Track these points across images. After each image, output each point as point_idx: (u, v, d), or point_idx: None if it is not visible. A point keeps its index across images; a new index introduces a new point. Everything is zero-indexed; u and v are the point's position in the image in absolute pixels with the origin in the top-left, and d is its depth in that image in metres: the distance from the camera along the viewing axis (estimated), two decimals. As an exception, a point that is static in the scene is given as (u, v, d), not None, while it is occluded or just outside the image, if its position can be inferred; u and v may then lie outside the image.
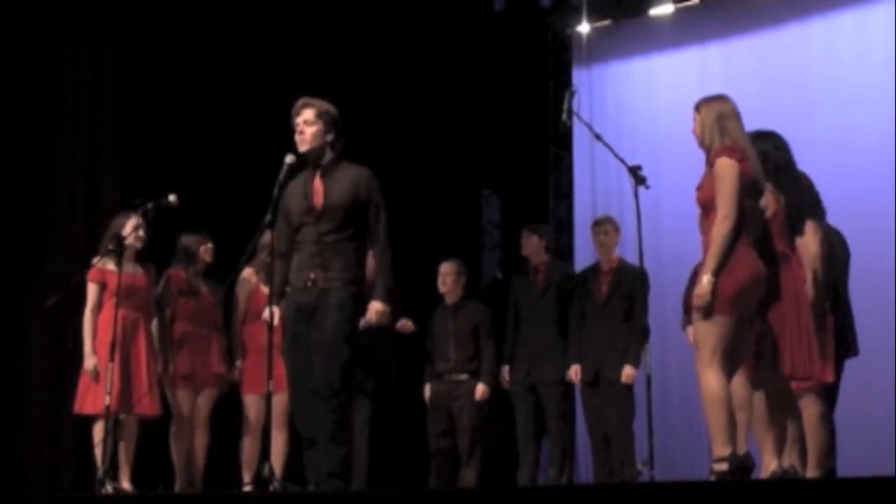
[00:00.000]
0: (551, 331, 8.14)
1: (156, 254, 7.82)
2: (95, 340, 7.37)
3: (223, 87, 9.23)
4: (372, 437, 8.09)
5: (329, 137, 6.15)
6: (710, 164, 5.48)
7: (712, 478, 5.18)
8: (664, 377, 8.84)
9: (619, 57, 10.34)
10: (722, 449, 5.18)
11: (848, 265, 6.54)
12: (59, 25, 8.91)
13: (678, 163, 5.59)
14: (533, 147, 10.49)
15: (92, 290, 7.46)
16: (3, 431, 8.41)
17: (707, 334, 5.31)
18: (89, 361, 7.34)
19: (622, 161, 6.53)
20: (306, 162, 6.18)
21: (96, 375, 7.28)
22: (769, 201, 5.74)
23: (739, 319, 5.33)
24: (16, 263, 8.59)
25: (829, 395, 6.31)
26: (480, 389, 8.20)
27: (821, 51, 9.15)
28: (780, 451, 5.65)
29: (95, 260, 7.45)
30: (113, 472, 7.24)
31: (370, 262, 6.28)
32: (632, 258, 7.57)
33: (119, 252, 7.33)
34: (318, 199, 6.08)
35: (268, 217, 6.23)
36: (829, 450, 6.27)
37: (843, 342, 6.34)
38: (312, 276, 6.02)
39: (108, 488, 6.96)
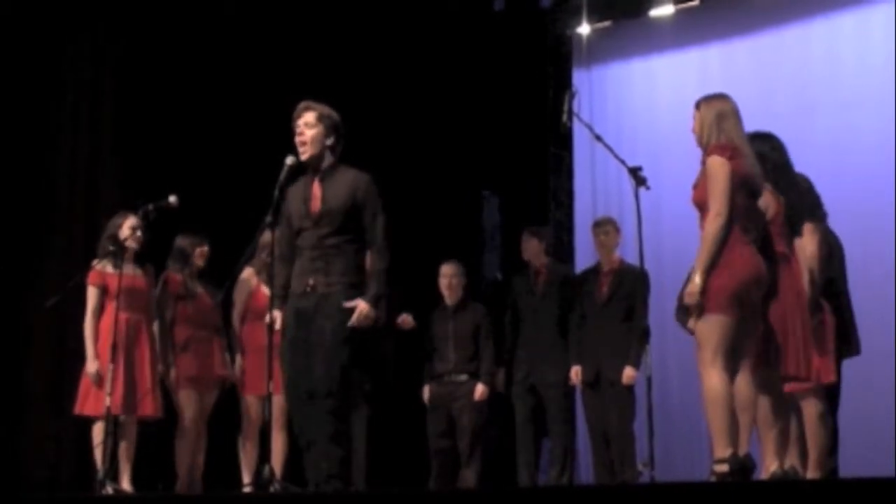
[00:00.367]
0: (551, 332, 8.15)
1: (156, 255, 7.82)
2: (97, 344, 7.35)
3: (223, 88, 9.23)
4: (371, 439, 8.09)
5: (329, 141, 6.16)
6: (703, 163, 5.49)
7: (713, 479, 5.18)
8: (665, 378, 8.84)
9: (620, 58, 10.33)
10: (723, 450, 5.18)
11: (845, 265, 6.55)
12: (59, 25, 8.91)
13: (678, 163, 5.59)
14: (533, 148, 10.49)
15: (92, 293, 7.44)
16: (3, 432, 8.40)
17: (708, 334, 5.31)
18: (92, 365, 7.33)
19: (622, 162, 6.53)
20: (307, 166, 6.19)
21: (99, 379, 7.27)
22: (769, 202, 5.75)
23: (741, 318, 5.33)
24: (16, 264, 8.58)
25: (830, 395, 6.31)
26: (480, 390, 8.20)
27: (821, 52, 9.15)
28: (781, 452, 5.66)
29: (95, 262, 7.45)
30: (113, 473, 7.24)
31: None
32: (632, 259, 7.57)
33: (118, 254, 7.32)
34: (316, 203, 6.09)
35: (268, 218, 6.25)
36: (830, 450, 6.27)
37: (845, 341, 6.35)
38: (311, 281, 6.04)
39: (109, 489, 6.96)
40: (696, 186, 5.52)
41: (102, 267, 7.44)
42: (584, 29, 10.33)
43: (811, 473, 6.03)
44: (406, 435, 8.72)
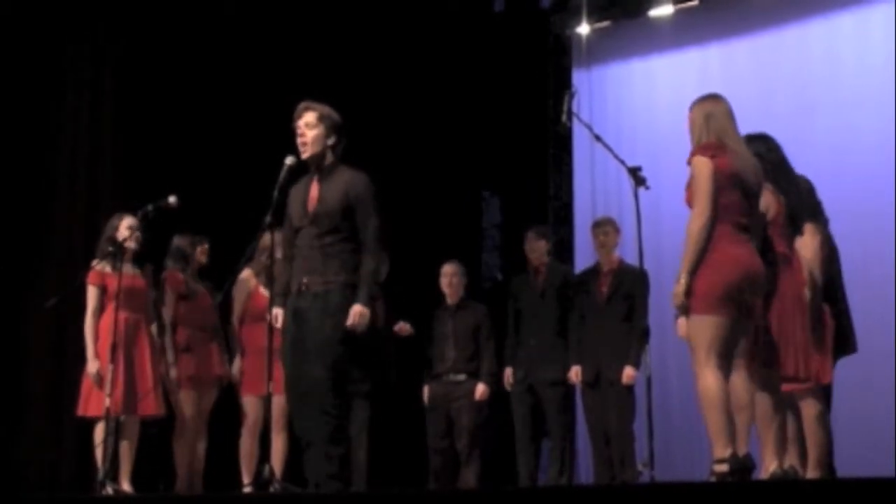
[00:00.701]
0: (551, 332, 8.15)
1: (156, 255, 7.82)
2: (97, 344, 7.36)
3: (223, 89, 9.23)
4: (371, 439, 8.10)
5: (330, 141, 6.17)
6: (688, 163, 5.49)
7: (713, 479, 5.18)
8: (664, 378, 8.84)
9: (619, 58, 10.33)
10: (722, 450, 5.18)
11: (841, 267, 6.56)
12: (60, 25, 8.91)
13: (678, 163, 5.57)
14: (533, 148, 10.49)
15: (92, 293, 7.45)
16: (3, 432, 8.41)
17: (700, 334, 5.30)
18: (92, 365, 7.33)
19: (622, 162, 6.53)
20: (308, 166, 6.20)
21: (100, 380, 7.27)
22: (770, 202, 5.75)
23: (735, 318, 5.32)
24: (16, 265, 8.58)
25: (825, 394, 6.32)
26: (480, 389, 8.21)
27: (820, 52, 9.14)
28: (780, 452, 5.65)
29: (95, 262, 7.45)
30: (113, 474, 7.24)
31: None
32: (632, 259, 7.57)
33: (117, 254, 7.33)
34: (313, 203, 6.12)
35: (268, 219, 6.27)
36: (829, 450, 6.28)
37: (843, 342, 6.36)
38: (306, 280, 6.06)
39: (109, 489, 6.96)
40: (687, 187, 5.52)
41: (102, 267, 7.44)
42: (584, 29, 10.33)
43: (811, 473, 6.03)
44: (406, 435, 8.73)
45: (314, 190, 6.15)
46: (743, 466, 5.17)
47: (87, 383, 7.39)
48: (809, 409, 6.07)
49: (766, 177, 5.73)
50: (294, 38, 9.52)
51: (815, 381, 5.95)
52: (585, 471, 9.14)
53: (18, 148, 8.72)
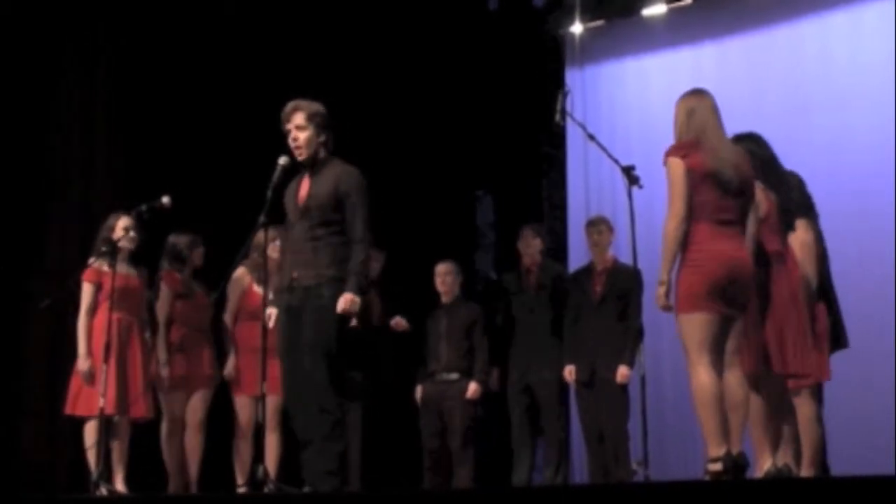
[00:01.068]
0: (545, 331, 8.15)
1: (149, 255, 7.81)
2: (90, 342, 7.35)
3: (217, 89, 9.23)
4: (366, 437, 8.10)
5: (322, 138, 6.22)
6: (663, 163, 5.49)
7: (707, 477, 5.18)
8: (659, 377, 8.83)
9: (613, 57, 10.33)
10: (716, 449, 5.17)
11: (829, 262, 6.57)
12: (53, 26, 8.90)
13: (672, 162, 5.59)
14: (526, 147, 10.50)
15: (87, 290, 7.44)
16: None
17: (689, 333, 5.30)
18: (84, 363, 7.33)
19: (615, 161, 6.54)
20: (302, 164, 6.22)
21: (91, 377, 7.27)
22: (761, 200, 5.74)
23: (723, 314, 5.31)
24: (11, 265, 8.57)
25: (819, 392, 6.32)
26: (472, 388, 8.20)
27: (814, 50, 9.15)
28: (775, 450, 5.66)
29: (91, 261, 7.45)
30: (107, 474, 7.23)
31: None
32: (626, 258, 7.57)
33: (112, 254, 7.32)
34: (304, 196, 6.17)
35: (262, 219, 6.29)
36: (823, 448, 6.28)
37: (835, 335, 6.36)
38: (296, 274, 6.10)
39: (103, 490, 6.95)
40: None
41: (99, 265, 7.44)
42: (577, 28, 10.33)
43: (805, 471, 6.03)
44: (401, 433, 8.72)
45: (306, 184, 6.21)
46: (737, 465, 5.17)
47: (76, 381, 7.39)
48: (805, 407, 6.07)
49: (757, 174, 5.73)
50: (287, 37, 9.52)
51: (814, 378, 5.95)
52: (580, 470, 9.14)
53: (12, 148, 8.71)
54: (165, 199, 7.35)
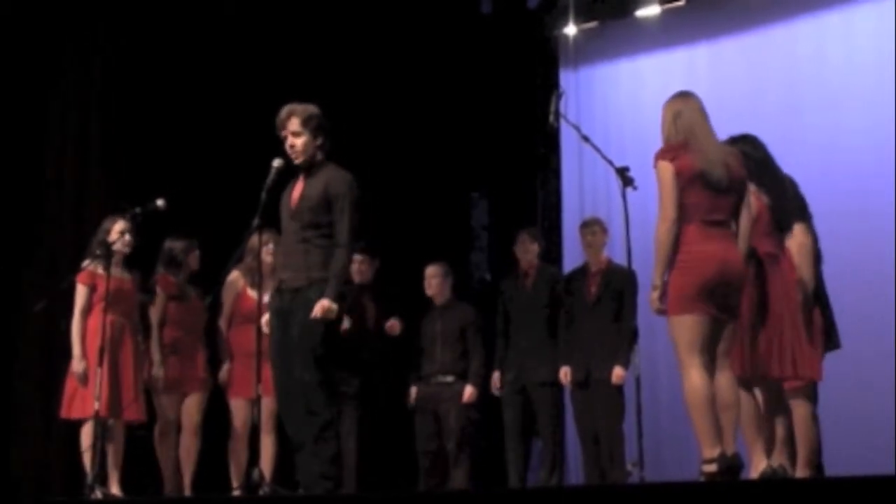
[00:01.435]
0: (541, 333, 8.14)
1: (144, 259, 7.81)
2: (85, 344, 7.35)
3: (212, 92, 9.22)
4: (361, 440, 8.10)
5: (318, 141, 6.22)
6: (653, 166, 5.49)
7: (702, 479, 5.18)
8: (653, 378, 8.83)
9: (606, 58, 10.33)
10: (710, 450, 5.17)
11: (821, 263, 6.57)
12: (47, 28, 8.89)
13: (666, 164, 5.59)
14: (521, 149, 10.49)
15: (81, 292, 7.44)
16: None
17: (680, 335, 5.29)
18: (79, 365, 7.32)
19: (610, 162, 6.54)
20: (298, 167, 6.23)
21: (85, 379, 7.27)
22: (751, 201, 5.73)
23: (713, 315, 5.31)
24: (4, 267, 8.56)
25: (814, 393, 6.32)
26: (468, 391, 8.20)
27: (808, 51, 9.15)
28: (769, 451, 5.66)
29: (85, 263, 7.44)
30: (102, 477, 7.22)
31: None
32: (620, 259, 7.57)
33: (107, 257, 7.32)
34: (296, 198, 6.20)
35: (256, 221, 6.29)
36: (819, 449, 6.28)
37: (827, 336, 6.37)
38: (284, 276, 6.13)
39: (98, 493, 6.95)
40: None
41: (94, 268, 7.43)
42: (571, 30, 10.32)
43: (800, 472, 6.03)
44: (396, 436, 8.71)
45: (299, 186, 6.23)
46: (731, 466, 5.17)
47: (70, 385, 7.39)
48: (800, 408, 6.08)
49: (750, 176, 5.73)
50: (283, 39, 9.51)
51: (808, 379, 5.95)
52: (575, 471, 9.14)
53: (6, 150, 8.70)
54: (160, 202, 7.35)
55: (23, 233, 8.73)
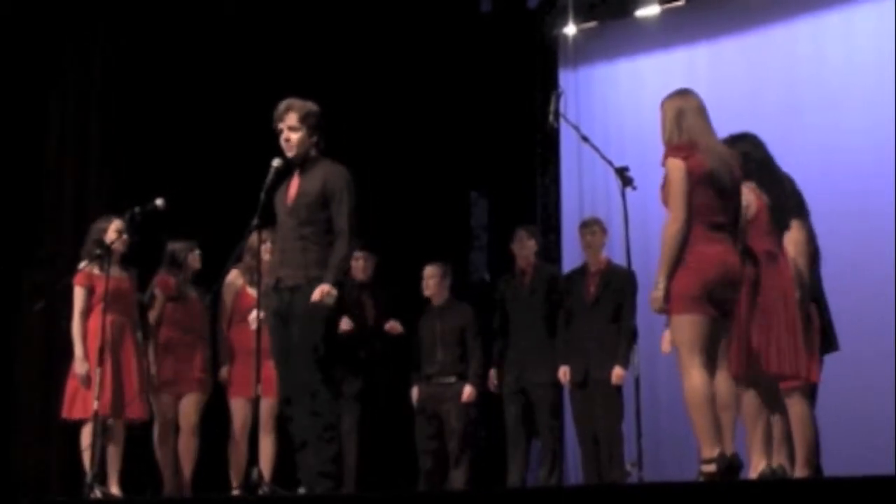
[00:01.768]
0: (540, 332, 8.14)
1: (142, 258, 7.81)
2: (86, 345, 7.34)
3: (211, 91, 9.22)
4: (361, 439, 8.10)
5: (314, 139, 6.23)
6: (662, 164, 5.47)
7: (701, 479, 5.18)
8: (653, 378, 8.82)
9: (606, 58, 10.33)
10: (709, 450, 5.17)
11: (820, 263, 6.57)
12: (47, 27, 8.89)
13: (664, 164, 5.59)
14: (520, 149, 10.49)
15: (79, 294, 7.43)
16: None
17: (682, 334, 5.28)
18: (81, 367, 7.32)
19: (609, 162, 6.53)
20: (293, 164, 6.23)
21: (88, 381, 7.26)
22: (750, 200, 5.74)
23: (714, 316, 5.31)
24: (3, 267, 8.56)
25: (812, 393, 6.32)
26: (468, 391, 8.20)
27: (808, 51, 9.15)
28: (768, 451, 5.66)
29: (82, 264, 7.43)
30: (102, 477, 7.22)
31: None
32: (619, 259, 7.57)
33: (105, 257, 7.31)
34: (292, 195, 6.19)
35: (255, 220, 6.29)
36: (817, 449, 6.28)
37: (826, 338, 6.37)
38: (281, 274, 6.11)
39: (97, 493, 6.95)
40: (662, 187, 5.48)
41: (90, 269, 7.43)
42: (571, 29, 10.32)
43: (799, 472, 6.03)
44: (396, 436, 8.72)
45: (295, 183, 6.23)
46: (731, 466, 5.17)
47: (72, 385, 7.39)
48: (797, 407, 6.07)
49: (751, 175, 5.73)
50: (282, 38, 9.51)
51: (804, 379, 5.95)
52: (574, 471, 9.14)
53: (5, 150, 8.70)
54: (159, 202, 7.35)
55: (23, 233, 8.72)
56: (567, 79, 10.32)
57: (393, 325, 8.30)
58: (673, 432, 8.82)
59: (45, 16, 8.86)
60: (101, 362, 7.15)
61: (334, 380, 6.10)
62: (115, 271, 7.42)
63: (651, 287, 7.19)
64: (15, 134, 8.76)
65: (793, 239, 6.06)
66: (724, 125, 5.72)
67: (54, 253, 8.68)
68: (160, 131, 9.05)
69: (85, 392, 7.29)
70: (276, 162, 6.26)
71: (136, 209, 7.40)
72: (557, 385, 8.09)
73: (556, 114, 6.95)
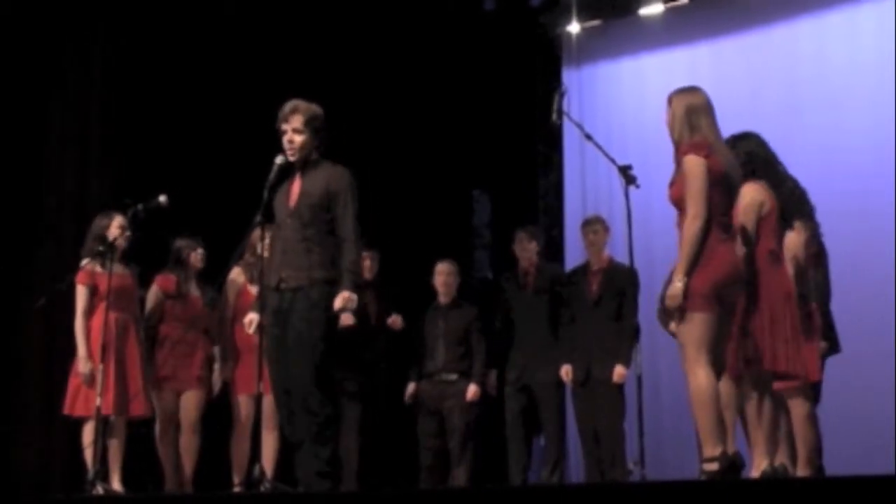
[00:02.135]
0: (543, 331, 8.15)
1: (144, 255, 7.81)
2: (89, 343, 7.35)
3: (213, 88, 9.22)
4: (362, 438, 8.10)
5: (316, 142, 6.22)
6: (677, 161, 5.45)
7: (703, 477, 5.18)
8: (655, 376, 8.85)
9: (609, 57, 10.34)
10: (712, 448, 5.17)
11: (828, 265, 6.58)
12: (49, 24, 8.89)
13: (668, 162, 5.57)
14: (523, 147, 10.50)
15: (82, 292, 7.43)
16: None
17: (690, 332, 5.28)
18: (85, 366, 7.31)
19: (612, 160, 6.53)
20: (294, 164, 6.23)
21: (91, 380, 7.26)
22: (765, 199, 5.75)
23: (721, 315, 5.32)
24: (5, 265, 8.56)
25: (814, 392, 6.33)
26: (472, 390, 8.20)
27: (810, 50, 9.16)
28: (770, 450, 5.66)
29: (84, 262, 7.43)
30: (104, 474, 7.23)
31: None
32: (622, 257, 7.57)
33: (107, 253, 7.31)
34: (294, 197, 6.19)
35: (258, 218, 6.29)
36: (819, 448, 6.29)
37: (829, 340, 6.38)
38: (284, 274, 6.10)
39: (99, 489, 6.95)
40: (672, 185, 5.45)
41: (92, 267, 7.42)
42: (574, 28, 10.34)
43: (801, 471, 6.04)
44: (397, 434, 8.72)
45: (297, 184, 6.22)
46: (733, 465, 5.17)
47: (74, 382, 7.38)
48: (798, 407, 6.09)
49: (758, 174, 5.73)
50: (285, 36, 9.51)
51: (805, 378, 5.96)
52: (576, 470, 9.14)
53: (7, 148, 8.70)
54: (163, 198, 7.34)
55: (24, 232, 8.72)
56: (570, 77, 10.33)
57: (395, 320, 8.31)
58: (675, 431, 8.83)
59: (45, 16, 8.85)
60: (103, 360, 7.15)
61: (333, 379, 6.10)
62: (118, 268, 7.41)
63: (654, 286, 7.25)
64: (15, 134, 8.75)
65: (795, 238, 6.07)
66: (726, 124, 5.71)
67: (55, 253, 8.67)
68: (161, 130, 9.04)
69: (87, 389, 7.28)
70: (279, 159, 6.26)
71: (139, 206, 7.39)
72: (560, 384, 8.09)
73: (560, 112, 6.95)
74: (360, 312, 7.95)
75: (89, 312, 7.41)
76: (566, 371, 7.98)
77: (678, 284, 5.24)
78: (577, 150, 10.22)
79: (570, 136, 10.13)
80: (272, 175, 6.27)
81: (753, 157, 5.82)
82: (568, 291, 8.15)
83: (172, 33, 9.13)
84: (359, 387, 8.11)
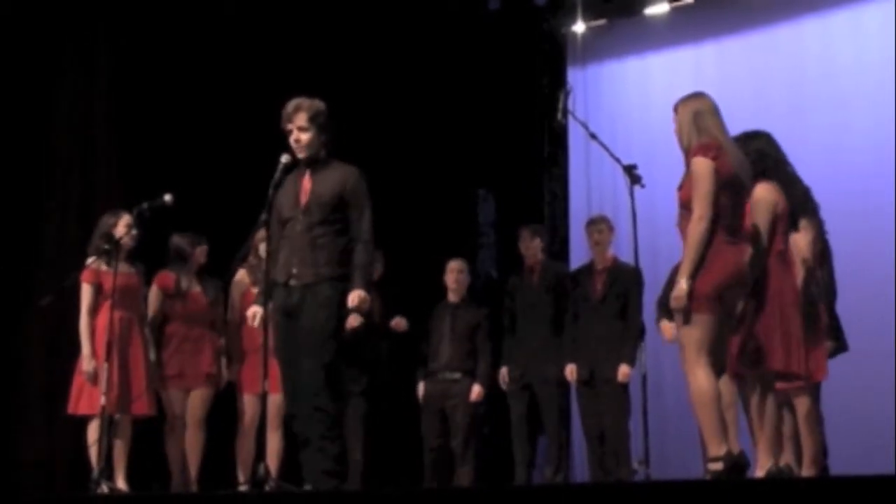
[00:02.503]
0: (547, 330, 8.15)
1: (150, 254, 7.81)
2: (94, 342, 7.35)
3: (219, 87, 9.22)
4: (366, 436, 8.11)
5: (323, 138, 6.21)
6: (687, 164, 5.46)
7: (708, 477, 5.18)
8: (659, 376, 8.83)
9: (614, 56, 10.33)
10: (717, 448, 5.18)
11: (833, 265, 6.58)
12: (54, 24, 8.90)
13: (673, 162, 5.58)
14: (528, 146, 10.49)
15: (87, 291, 7.43)
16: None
17: (691, 333, 5.29)
18: (89, 364, 7.32)
19: (617, 160, 6.53)
20: (300, 162, 6.22)
21: (95, 378, 7.27)
22: (778, 199, 5.75)
23: (722, 316, 5.32)
24: (10, 263, 8.57)
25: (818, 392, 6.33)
26: (476, 390, 8.20)
27: (815, 50, 9.15)
28: (775, 450, 5.66)
29: (90, 261, 7.44)
30: (108, 472, 7.23)
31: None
32: (627, 257, 7.58)
33: (113, 252, 7.31)
34: (305, 195, 6.16)
35: (263, 216, 6.28)
36: (823, 448, 6.29)
37: (837, 339, 6.37)
38: (294, 270, 6.08)
39: (104, 488, 6.96)
40: (680, 187, 5.46)
41: (97, 265, 7.43)
42: (579, 27, 10.33)
43: (806, 471, 6.04)
44: (402, 432, 8.73)
45: (307, 182, 6.20)
46: (737, 464, 5.17)
47: (78, 381, 7.39)
48: (803, 407, 6.08)
49: (769, 174, 5.74)
50: (289, 36, 9.51)
51: (811, 378, 5.96)
52: (581, 469, 9.14)
53: (12, 146, 8.71)
54: (168, 197, 7.34)
55: (29, 231, 8.73)
56: (575, 76, 10.32)
57: (398, 322, 8.31)
58: (679, 430, 8.81)
59: (48, 15, 8.86)
60: (108, 358, 7.15)
61: (340, 378, 6.10)
62: (123, 267, 7.41)
63: (657, 286, 7.26)
64: (20, 133, 8.76)
65: (802, 239, 6.06)
66: (731, 124, 5.71)
67: (60, 251, 8.68)
68: (165, 129, 9.04)
69: (91, 388, 7.29)
70: (284, 158, 6.25)
71: (145, 205, 7.40)
72: (564, 383, 8.09)
73: (565, 111, 6.95)
74: (365, 313, 7.97)
75: (94, 311, 7.42)
76: (571, 370, 7.99)
77: (683, 286, 5.24)
78: (582, 150, 10.21)
79: (576, 136, 10.12)
80: (278, 174, 6.25)
81: (764, 156, 5.82)
82: (572, 290, 8.16)
83: (176, 32, 9.14)
84: (363, 386, 8.11)
